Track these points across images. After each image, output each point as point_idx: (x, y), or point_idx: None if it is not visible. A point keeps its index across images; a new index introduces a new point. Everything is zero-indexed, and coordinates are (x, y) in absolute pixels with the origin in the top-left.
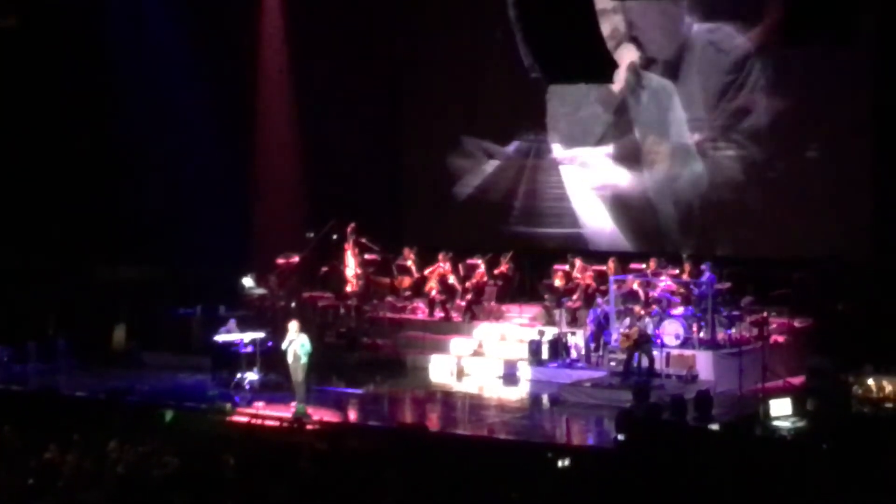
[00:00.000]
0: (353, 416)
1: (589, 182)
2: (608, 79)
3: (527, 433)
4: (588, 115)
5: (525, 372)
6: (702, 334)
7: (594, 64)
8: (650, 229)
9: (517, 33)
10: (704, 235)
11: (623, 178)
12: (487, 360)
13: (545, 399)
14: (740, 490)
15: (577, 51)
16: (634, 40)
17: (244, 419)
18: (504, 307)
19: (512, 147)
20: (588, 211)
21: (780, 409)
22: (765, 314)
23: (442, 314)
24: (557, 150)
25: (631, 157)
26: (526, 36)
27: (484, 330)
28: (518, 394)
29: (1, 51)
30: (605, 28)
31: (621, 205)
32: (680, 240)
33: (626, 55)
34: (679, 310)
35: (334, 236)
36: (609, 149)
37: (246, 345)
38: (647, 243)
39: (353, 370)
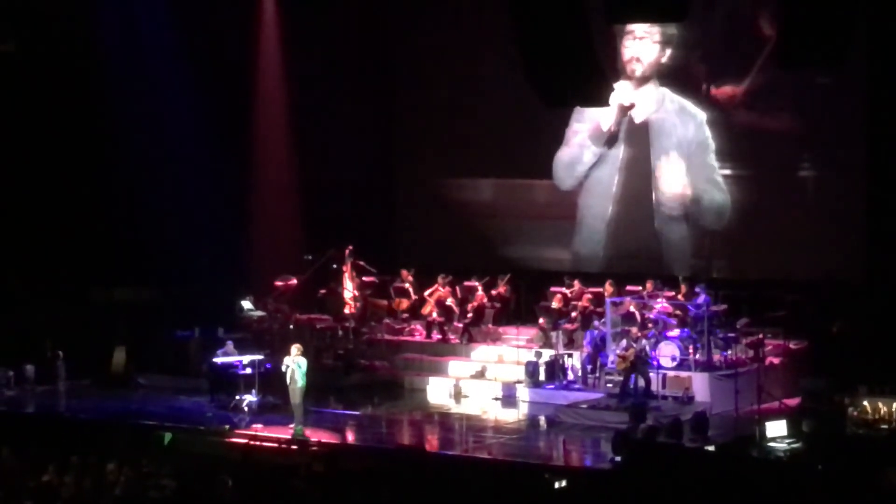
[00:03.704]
0: (350, 437)
1: (587, 204)
2: (604, 102)
3: (524, 454)
4: (586, 139)
5: (522, 393)
6: (698, 356)
7: (590, 87)
8: (647, 251)
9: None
10: (700, 257)
11: (621, 200)
12: (485, 382)
13: (542, 420)
14: None
15: (572, 74)
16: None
17: (242, 441)
18: (501, 329)
19: (509, 169)
20: (586, 233)
21: (776, 430)
22: (760, 336)
23: (439, 336)
24: (555, 171)
25: (628, 180)
26: (522, 58)
27: (481, 352)
28: (515, 415)
29: None
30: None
31: (619, 227)
32: (676, 262)
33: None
34: (675, 332)
35: (334, 265)
36: (607, 170)
37: (244, 366)
38: (643, 265)
39: (351, 392)
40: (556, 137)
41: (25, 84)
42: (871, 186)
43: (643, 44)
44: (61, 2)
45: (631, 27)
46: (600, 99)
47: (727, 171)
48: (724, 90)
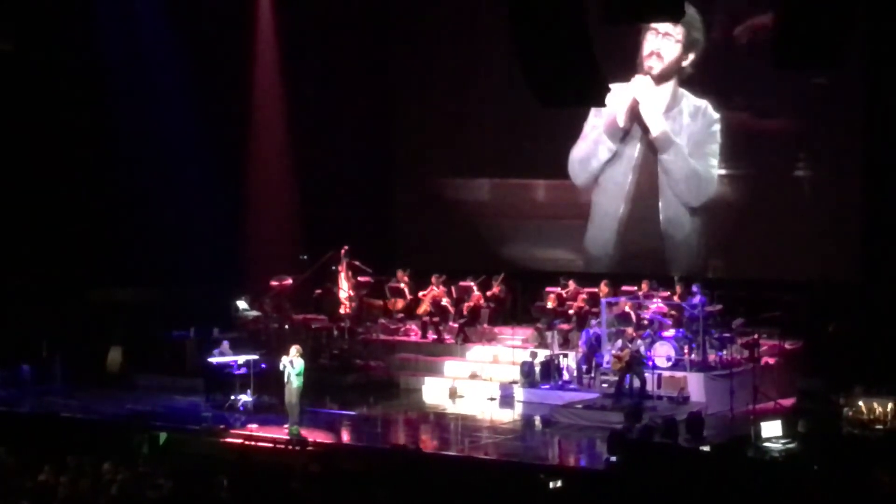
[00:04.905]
0: (346, 437)
1: (599, 201)
2: (601, 103)
3: (519, 454)
4: (602, 134)
5: (518, 394)
6: (693, 356)
7: (586, 88)
8: (654, 252)
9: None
10: (697, 257)
11: (633, 200)
12: (481, 382)
13: (537, 420)
14: None
15: (569, 74)
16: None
17: (238, 441)
18: (496, 329)
19: (507, 169)
20: (597, 231)
21: (771, 430)
22: (756, 336)
23: (434, 336)
24: (570, 166)
25: (641, 179)
26: (520, 58)
27: (477, 352)
28: (510, 415)
29: None
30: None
31: (630, 227)
32: (680, 262)
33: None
34: (670, 332)
35: (333, 267)
36: (621, 168)
37: (239, 366)
38: (650, 266)
39: (347, 392)
40: (555, 137)
41: (23, 84)
42: (868, 187)
43: (665, 41)
44: (60, 2)
45: (655, 24)
46: (596, 100)
47: (723, 171)
48: (729, 89)
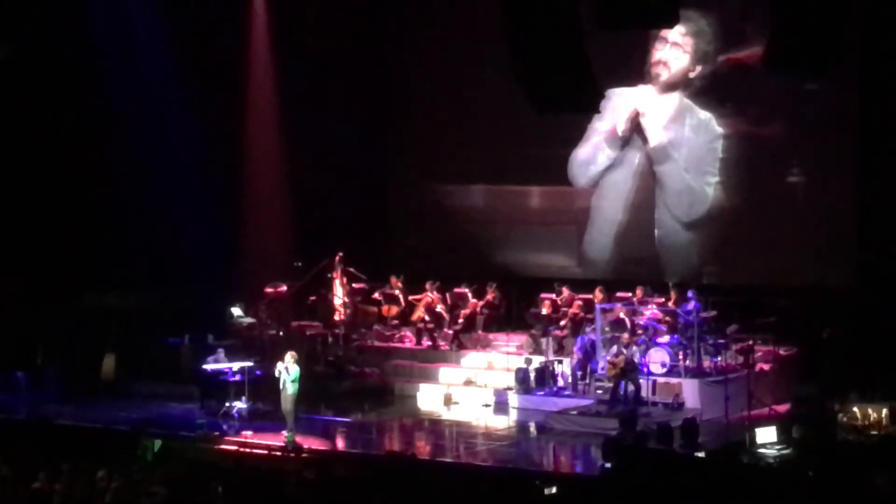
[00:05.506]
0: (341, 444)
1: (599, 206)
2: (595, 108)
3: (514, 461)
4: (602, 140)
5: (512, 400)
6: (688, 362)
7: (579, 94)
8: (649, 259)
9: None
10: (691, 264)
11: (632, 207)
12: (477, 389)
13: (532, 427)
14: None
15: (562, 80)
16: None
17: (232, 448)
18: (491, 336)
19: (502, 175)
20: (595, 235)
21: (766, 436)
22: (750, 342)
23: (429, 343)
24: (570, 167)
25: (641, 186)
26: (515, 63)
27: (472, 359)
28: (505, 422)
29: None
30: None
31: (627, 233)
32: (675, 270)
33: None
34: (665, 338)
35: (328, 274)
36: (622, 174)
37: (234, 373)
38: (634, 271)
39: (342, 398)
40: (550, 143)
41: (20, 89)
42: (862, 192)
43: (674, 51)
44: (53, 5)
45: (665, 33)
46: (590, 106)
47: (718, 178)
48: (723, 96)
